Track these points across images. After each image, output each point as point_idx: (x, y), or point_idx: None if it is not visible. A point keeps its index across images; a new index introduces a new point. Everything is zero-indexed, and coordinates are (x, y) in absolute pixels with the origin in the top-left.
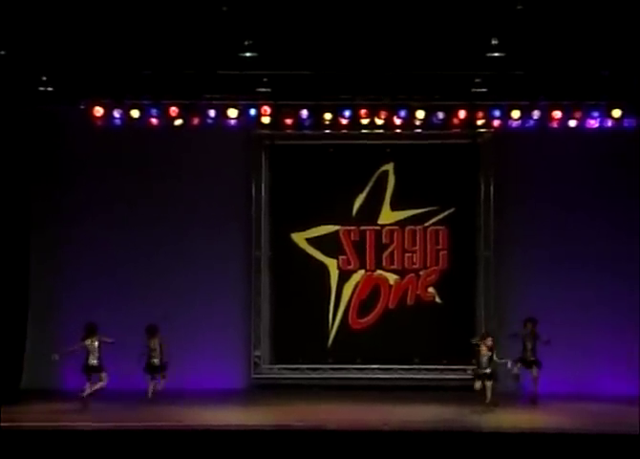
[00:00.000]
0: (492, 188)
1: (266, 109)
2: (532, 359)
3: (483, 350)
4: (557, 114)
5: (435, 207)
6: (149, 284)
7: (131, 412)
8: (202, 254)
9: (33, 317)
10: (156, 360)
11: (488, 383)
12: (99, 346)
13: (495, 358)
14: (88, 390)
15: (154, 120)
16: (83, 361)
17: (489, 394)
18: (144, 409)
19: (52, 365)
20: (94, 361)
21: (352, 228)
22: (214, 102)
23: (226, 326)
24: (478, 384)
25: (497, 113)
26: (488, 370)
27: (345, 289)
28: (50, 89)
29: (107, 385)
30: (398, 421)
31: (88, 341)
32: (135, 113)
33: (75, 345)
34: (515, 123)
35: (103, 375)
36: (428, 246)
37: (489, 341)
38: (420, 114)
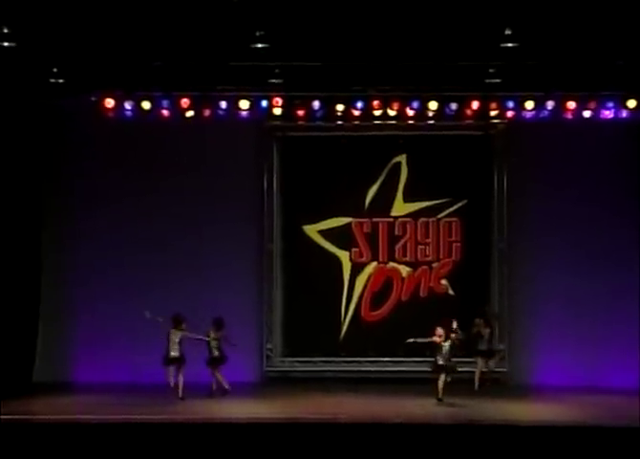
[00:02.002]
0: (505, 180)
1: (278, 100)
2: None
3: (439, 341)
4: (571, 104)
5: (448, 199)
6: (161, 278)
7: (142, 406)
8: (213, 247)
9: (45, 312)
10: (217, 353)
11: (442, 377)
12: (182, 338)
13: (459, 334)
14: (172, 382)
15: (165, 112)
16: (164, 352)
17: (441, 387)
18: (156, 403)
19: (64, 359)
20: (174, 353)
21: (365, 220)
22: (225, 94)
23: (238, 319)
24: (442, 377)
25: (510, 104)
26: (447, 362)
27: (357, 281)
28: (60, 81)
29: (119, 378)
30: (411, 414)
31: (172, 332)
32: (146, 105)
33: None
34: (529, 114)
35: (183, 367)
36: (441, 238)
37: (439, 331)
38: (433, 105)
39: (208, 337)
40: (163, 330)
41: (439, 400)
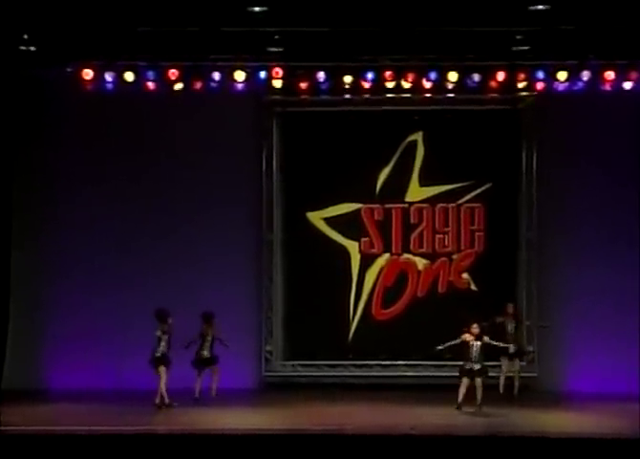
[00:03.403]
0: (535, 160)
1: (278, 71)
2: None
3: (470, 340)
4: (609, 75)
5: (469, 182)
6: (147, 271)
7: (130, 415)
8: (205, 237)
9: (15, 311)
10: (205, 352)
11: (478, 383)
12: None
13: (489, 341)
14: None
15: (151, 85)
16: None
17: (480, 394)
18: (144, 412)
19: (37, 363)
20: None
21: (376, 206)
22: (219, 64)
23: (234, 318)
24: (465, 381)
25: (540, 74)
26: (477, 366)
27: (368, 275)
28: (32, 49)
29: (105, 385)
30: (427, 424)
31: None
32: (129, 76)
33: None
34: (561, 86)
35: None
36: (462, 226)
37: (475, 329)
38: (453, 76)
39: (205, 334)
40: (149, 330)
41: (458, 407)
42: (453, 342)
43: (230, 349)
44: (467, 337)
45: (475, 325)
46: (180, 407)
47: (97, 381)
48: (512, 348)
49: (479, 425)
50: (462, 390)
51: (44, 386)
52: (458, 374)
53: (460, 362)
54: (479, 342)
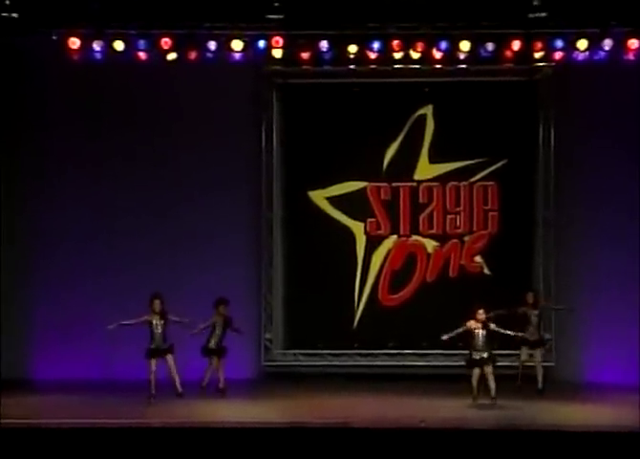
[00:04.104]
0: (552, 135)
1: (278, 40)
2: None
3: (475, 327)
4: (633, 43)
5: (483, 159)
6: (137, 254)
7: (123, 407)
8: (200, 216)
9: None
10: (212, 343)
11: (488, 370)
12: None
13: (496, 329)
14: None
15: (142, 54)
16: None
17: (492, 384)
18: (137, 404)
19: (21, 353)
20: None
21: (383, 184)
22: (215, 32)
23: (232, 303)
24: (476, 372)
25: (559, 43)
26: (484, 354)
27: (374, 258)
28: (14, 15)
29: (94, 375)
30: (438, 417)
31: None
32: (119, 45)
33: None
34: (581, 56)
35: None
36: (474, 206)
37: (480, 315)
38: (465, 45)
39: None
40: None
41: (474, 399)
42: (458, 331)
43: (228, 337)
44: (472, 324)
45: (480, 311)
46: (176, 399)
47: (86, 371)
48: (520, 335)
49: (491, 417)
50: (475, 381)
51: (29, 377)
52: (465, 364)
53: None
54: (484, 330)
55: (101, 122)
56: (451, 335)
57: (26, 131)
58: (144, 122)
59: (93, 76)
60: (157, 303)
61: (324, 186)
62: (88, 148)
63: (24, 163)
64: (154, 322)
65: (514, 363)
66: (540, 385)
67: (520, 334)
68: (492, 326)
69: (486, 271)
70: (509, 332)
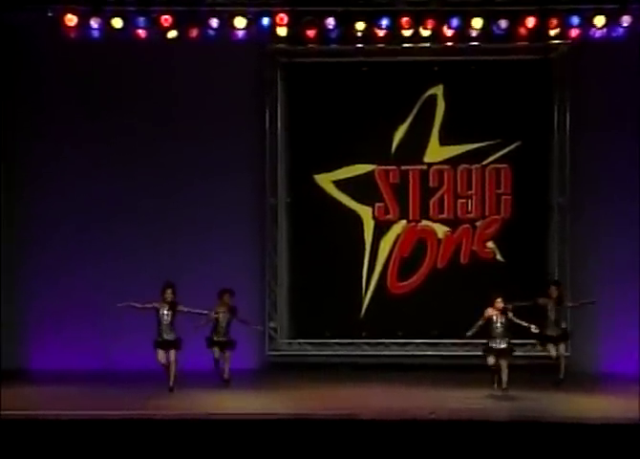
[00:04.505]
0: (568, 116)
1: (283, 17)
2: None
3: (493, 315)
4: None
5: (495, 141)
6: (140, 239)
7: (123, 398)
8: (202, 202)
9: None
10: (215, 335)
11: (503, 363)
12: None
13: (513, 318)
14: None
15: (141, 32)
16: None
17: (505, 377)
18: (138, 395)
19: (15, 341)
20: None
21: (391, 167)
22: (217, 9)
23: (235, 292)
24: (491, 360)
25: (575, 20)
26: (503, 344)
27: (382, 244)
28: None
29: (93, 365)
30: (449, 409)
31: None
32: (117, 22)
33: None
34: (598, 33)
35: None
36: (487, 189)
37: (499, 303)
38: (477, 22)
39: (216, 313)
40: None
41: (504, 389)
42: (479, 324)
43: (231, 326)
44: (490, 311)
45: (499, 300)
46: (178, 391)
47: (84, 360)
48: (534, 328)
49: (505, 409)
50: (492, 370)
51: (24, 366)
52: (482, 353)
53: (484, 341)
54: (502, 318)
55: (99, 104)
56: (474, 330)
57: (22, 113)
58: (143, 104)
59: (90, 54)
60: (168, 292)
61: (330, 170)
62: (85, 131)
63: (15, 143)
64: (161, 312)
65: (528, 353)
66: (561, 376)
67: (537, 329)
68: (510, 315)
69: (499, 257)
70: (527, 324)
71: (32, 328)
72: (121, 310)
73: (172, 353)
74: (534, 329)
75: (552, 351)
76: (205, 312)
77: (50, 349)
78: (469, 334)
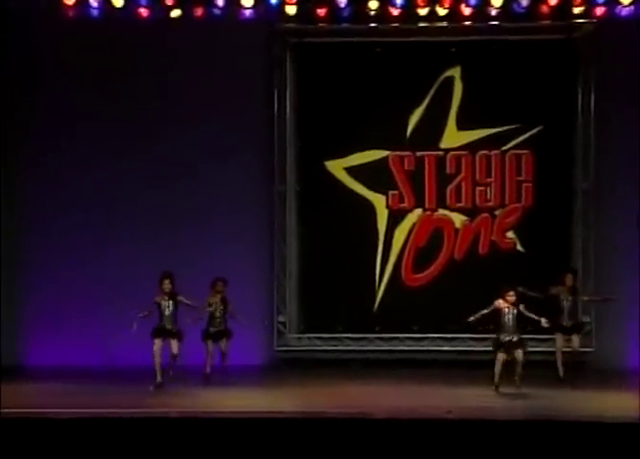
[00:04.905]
0: (592, 99)
1: None
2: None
3: (504, 306)
4: None
5: (516, 126)
6: (141, 229)
7: (123, 396)
8: (209, 189)
9: None
10: (212, 327)
11: (518, 355)
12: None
13: (524, 311)
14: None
15: (143, 11)
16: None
17: (519, 369)
18: (138, 392)
19: (12, 337)
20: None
21: (406, 153)
22: None
23: (241, 285)
24: (501, 357)
25: None
26: (515, 337)
27: (397, 234)
28: None
29: (91, 361)
30: (466, 407)
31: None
32: (118, 1)
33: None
34: (625, 11)
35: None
36: (507, 176)
37: (511, 296)
38: (497, 1)
39: (210, 305)
40: (142, 299)
41: (496, 388)
42: (484, 311)
43: (238, 320)
44: (501, 303)
45: (511, 293)
46: (179, 387)
47: (82, 356)
48: (544, 322)
49: (520, 407)
50: (498, 367)
51: (20, 362)
52: (491, 348)
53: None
54: (514, 310)
55: (98, 86)
56: (477, 316)
57: (18, 103)
58: (145, 86)
59: (89, 34)
60: (166, 283)
61: (342, 156)
62: (84, 115)
63: (12, 129)
64: (162, 303)
65: (544, 349)
66: (561, 374)
67: (547, 324)
68: (521, 307)
69: (519, 247)
70: (537, 317)
71: (30, 323)
72: (121, 305)
73: (175, 344)
74: (545, 323)
75: (559, 342)
76: (198, 304)
77: (48, 345)
78: (472, 319)
